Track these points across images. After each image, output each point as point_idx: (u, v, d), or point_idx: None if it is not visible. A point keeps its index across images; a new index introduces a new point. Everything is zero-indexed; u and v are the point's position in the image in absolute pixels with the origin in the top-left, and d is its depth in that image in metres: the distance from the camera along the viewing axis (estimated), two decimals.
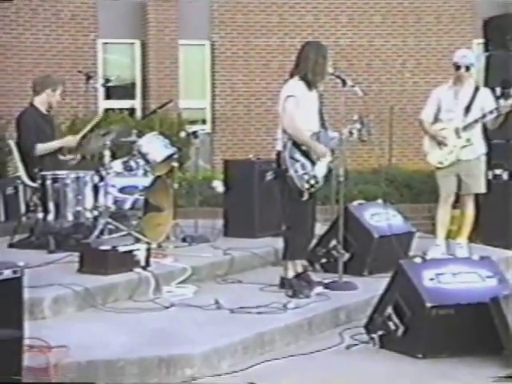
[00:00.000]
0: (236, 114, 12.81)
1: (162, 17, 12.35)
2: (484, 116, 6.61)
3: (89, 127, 6.80)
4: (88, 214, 6.28)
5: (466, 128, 6.63)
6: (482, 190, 6.86)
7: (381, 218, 6.26)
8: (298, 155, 5.38)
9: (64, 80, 6.92)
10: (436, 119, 6.79)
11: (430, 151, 6.81)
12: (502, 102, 6.66)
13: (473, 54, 6.93)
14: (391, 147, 11.45)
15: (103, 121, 9.60)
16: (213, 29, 12.71)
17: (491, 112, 6.57)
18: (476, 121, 6.62)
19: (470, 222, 6.86)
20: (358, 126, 5.62)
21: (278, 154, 5.44)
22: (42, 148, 6.49)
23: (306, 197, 5.38)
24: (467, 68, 6.65)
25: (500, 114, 6.57)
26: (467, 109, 6.66)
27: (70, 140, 6.72)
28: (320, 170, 5.43)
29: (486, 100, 6.70)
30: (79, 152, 6.72)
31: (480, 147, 6.79)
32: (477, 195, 6.92)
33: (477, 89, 6.76)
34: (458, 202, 6.98)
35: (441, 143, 6.71)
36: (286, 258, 5.57)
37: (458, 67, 6.65)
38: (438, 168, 6.80)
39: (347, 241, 5.97)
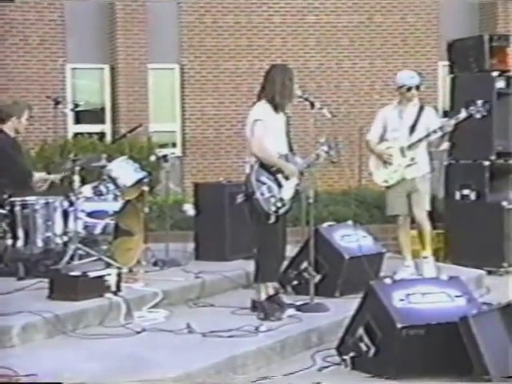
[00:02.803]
0: (206, 137, 12.85)
1: (130, 41, 12.38)
2: (428, 135, 6.72)
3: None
4: (58, 240, 6.23)
5: (410, 147, 6.75)
6: (427, 207, 6.92)
7: (351, 239, 6.30)
8: (264, 178, 5.40)
9: (30, 105, 6.89)
10: (382, 139, 6.90)
11: (375, 171, 6.94)
12: (445, 121, 6.79)
13: (416, 73, 7.02)
14: (361, 168, 11.57)
15: (73, 146, 9.62)
16: (182, 52, 12.78)
17: (435, 131, 6.70)
18: (420, 140, 6.73)
19: (429, 236, 6.93)
20: (325, 148, 5.66)
21: (248, 177, 5.46)
22: (37, 177, 6.55)
23: (272, 219, 5.39)
24: (417, 87, 6.81)
25: (444, 132, 6.69)
26: (412, 128, 6.79)
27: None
28: (287, 192, 5.44)
29: (430, 119, 6.82)
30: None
31: (425, 166, 6.88)
32: (432, 213, 6.98)
33: (421, 108, 6.88)
34: (413, 223, 7.03)
35: (386, 162, 6.81)
36: (258, 281, 5.57)
37: (408, 89, 6.77)
38: (387, 188, 6.90)
39: (318, 262, 5.99)
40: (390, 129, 6.86)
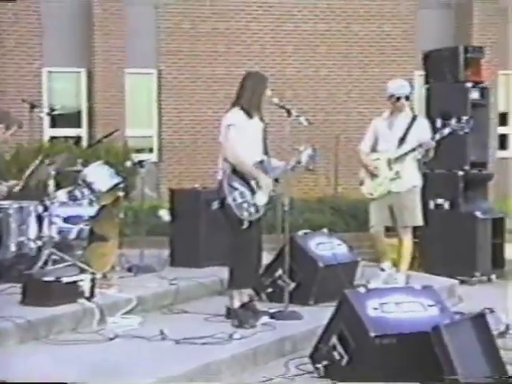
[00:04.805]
0: (183, 143, 12.84)
1: (108, 45, 12.34)
2: (413, 149, 6.68)
3: (26, 175, 6.56)
4: (32, 245, 6.19)
5: (396, 160, 6.70)
6: (419, 222, 6.89)
7: (326, 247, 6.33)
8: (236, 184, 5.39)
9: (22, 123, 6.74)
10: (374, 150, 6.88)
11: (364, 181, 6.88)
12: (428, 137, 6.68)
13: (407, 82, 6.96)
14: (337, 176, 11.62)
15: (48, 150, 9.55)
16: (159, 58, 12.75)
17: (420, 146, 6.65)
18: (406, 153, 6.68)
19: (408, 253, 6.87)
20: (309, 151, 5.62)
21: (220, 182, 5.45)
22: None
23: (245, 225, 5.38)
24: (407, 98, 6.76)
25: (427, 148, 6.66)
26: (402, 140, 6.74)
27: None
28: (260, 198, 5.43)
29: (422, 131, 6.77)
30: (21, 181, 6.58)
31: (413, 179, 6.81)
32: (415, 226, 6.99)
33: (413, 119, 6.84)
34: (395, 231, 7.02)
35: (372, 174, 6.79)
36: (231, 288, 5.57)
37: (397, 98, 6.74)
38: (373, 199, 6.83)
39: (293, 270, 6.00)
40: (382, 140, 6.79)
